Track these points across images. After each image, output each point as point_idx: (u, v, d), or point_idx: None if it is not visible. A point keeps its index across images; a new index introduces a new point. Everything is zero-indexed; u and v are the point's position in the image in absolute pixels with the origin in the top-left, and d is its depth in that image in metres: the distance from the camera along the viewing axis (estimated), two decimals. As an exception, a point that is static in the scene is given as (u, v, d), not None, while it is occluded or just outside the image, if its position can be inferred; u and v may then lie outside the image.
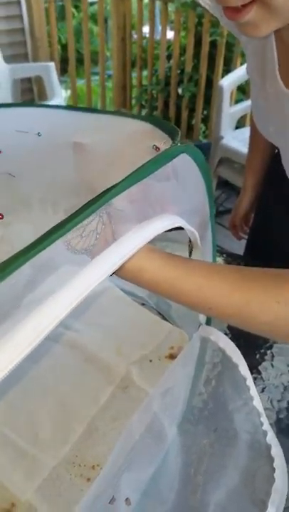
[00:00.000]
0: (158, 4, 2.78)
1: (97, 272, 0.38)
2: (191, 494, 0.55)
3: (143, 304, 0.86)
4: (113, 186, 0.36)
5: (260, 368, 0.77)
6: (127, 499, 0.50)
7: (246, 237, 1.06)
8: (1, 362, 0.31)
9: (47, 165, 0.53)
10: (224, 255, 0.99)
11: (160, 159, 0.43)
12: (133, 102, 3.27)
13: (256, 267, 0.44)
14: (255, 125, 0.92)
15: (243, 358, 0.63)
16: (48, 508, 0.55)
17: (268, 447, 0.61)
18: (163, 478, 0.55)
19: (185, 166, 0.48)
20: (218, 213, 2.20)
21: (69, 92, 3.39)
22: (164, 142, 0.50)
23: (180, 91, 2.76)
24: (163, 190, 0.47)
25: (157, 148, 0.48)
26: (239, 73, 1.95)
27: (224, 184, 2.37)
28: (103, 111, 0.61)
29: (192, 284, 0.43)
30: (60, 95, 2.35)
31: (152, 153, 0.47)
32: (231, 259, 0.97)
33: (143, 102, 3.13)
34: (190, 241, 0.54)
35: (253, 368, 0.76)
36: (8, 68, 2.24)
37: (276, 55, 0.63)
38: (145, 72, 3.08)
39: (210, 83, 2.59)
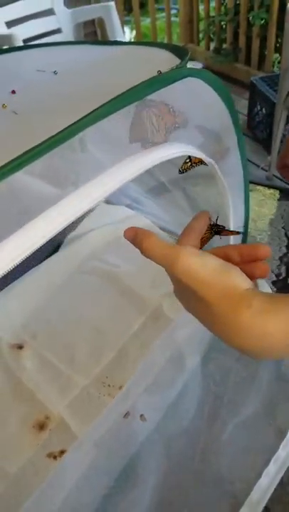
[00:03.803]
0: None
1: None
2: (208, 418, 0.57)
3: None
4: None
5: None
6: (141, 415, 0.53)
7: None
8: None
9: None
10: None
11: (157, 81, 0.42)
12: (200, 35, 3.09)
13: None
14: None
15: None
16: (76, 421, 0.61)
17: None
18: (182, 404, 0.57)
19: (203, 92, 0.47)
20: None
21: (134, 32, 3.28)
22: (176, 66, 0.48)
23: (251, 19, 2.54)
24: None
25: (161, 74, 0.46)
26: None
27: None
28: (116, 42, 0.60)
29: None
30: (122, 36, 2.28)
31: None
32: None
33: (211, 35, 2.94)
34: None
35: None
36: (69, 13, 2.21)
37: None
38: (213, 4, 2.87)
39: (283, 7, 2.35)
